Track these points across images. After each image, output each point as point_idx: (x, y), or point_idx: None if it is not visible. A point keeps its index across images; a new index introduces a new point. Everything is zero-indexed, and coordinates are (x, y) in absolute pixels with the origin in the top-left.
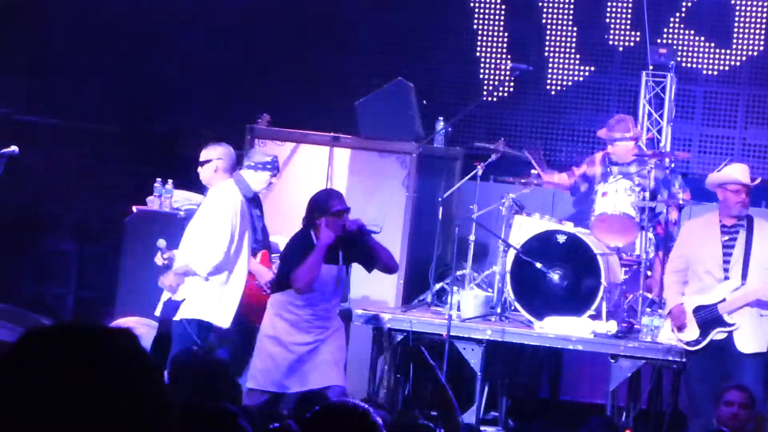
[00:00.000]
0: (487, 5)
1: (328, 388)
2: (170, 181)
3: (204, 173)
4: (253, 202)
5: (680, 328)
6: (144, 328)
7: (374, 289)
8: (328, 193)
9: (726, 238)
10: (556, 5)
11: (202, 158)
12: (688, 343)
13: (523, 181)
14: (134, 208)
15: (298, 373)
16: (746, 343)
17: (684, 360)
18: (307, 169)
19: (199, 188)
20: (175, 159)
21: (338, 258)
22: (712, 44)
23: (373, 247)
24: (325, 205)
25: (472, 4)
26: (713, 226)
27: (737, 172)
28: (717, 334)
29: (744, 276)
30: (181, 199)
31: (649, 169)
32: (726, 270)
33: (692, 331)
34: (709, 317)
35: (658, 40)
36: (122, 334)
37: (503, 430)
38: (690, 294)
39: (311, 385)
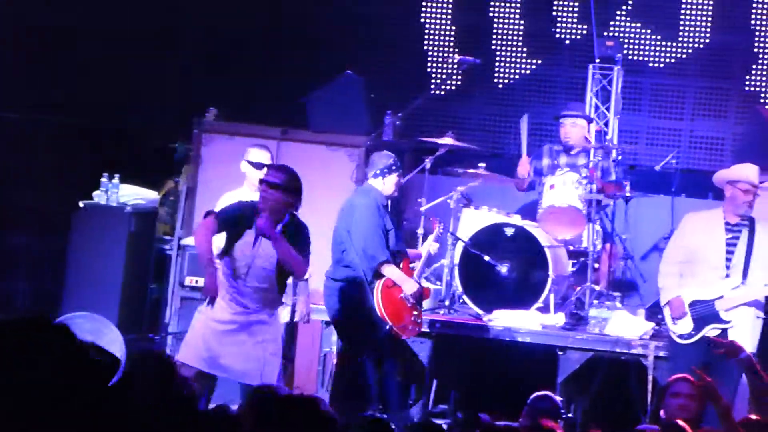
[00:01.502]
0: None
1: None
2: (117, 175)
3: None
4: (385, 209)
5: (677, 318)
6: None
7: (323, 284)
8: (280, 165)
9: (729, 236)
10: None
11: None
12: (680, 336)
13: (471, 171)
14: (81, 203)
15: (211, 354)
16: (740, 342)
17: (631, 351)
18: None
19: (148, 182)
20: (125, 153)
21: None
22: (659, 37)
23: (276, 247)
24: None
25: None
26: (718, 222)
27: (749, 171)
28: (711, 330)
29: (744, 275)
30: (129, 193)
31: (596, 162)
32: (727, 267)
33: (686, 325)
34: (705, 313)
35: (605, 33)
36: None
37: (452, 422)
38: (687, 287)
39: (225, 373)
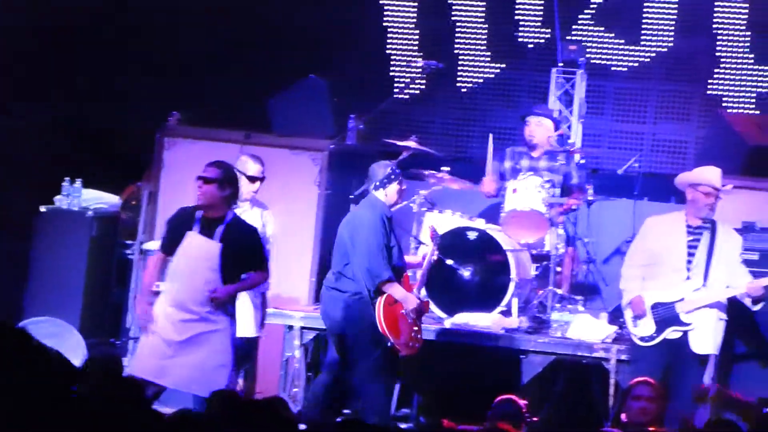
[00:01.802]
0: (398, 2)
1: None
2: (78, 180)
3: None
4: (390, 221)
5: (638, 317)
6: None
7: (286, 287)
8: (214, 161)
9: (690, 238)
10: (466, 2)
11: None
12: (641, 338)
13: (438, 175)
14: (42, 208)
15: (159, 364)
16: (701, 344)
17: (593, 355)
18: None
19: (111, 187)
20: (87, 157)
21: (216, 235)
22: (622, 40)
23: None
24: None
25: (382, 1)
26: (679, 225)
27: (711, 174)
28: (672, 333)
29: (705, 277)
30: (91, 197)
31: (559, 165)
32: (688, 270)
33: (647, 327)
34: (666, 315)
35: (568, 37)
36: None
37: (414, 427)
38: (649, 290)
39: (173, 384)
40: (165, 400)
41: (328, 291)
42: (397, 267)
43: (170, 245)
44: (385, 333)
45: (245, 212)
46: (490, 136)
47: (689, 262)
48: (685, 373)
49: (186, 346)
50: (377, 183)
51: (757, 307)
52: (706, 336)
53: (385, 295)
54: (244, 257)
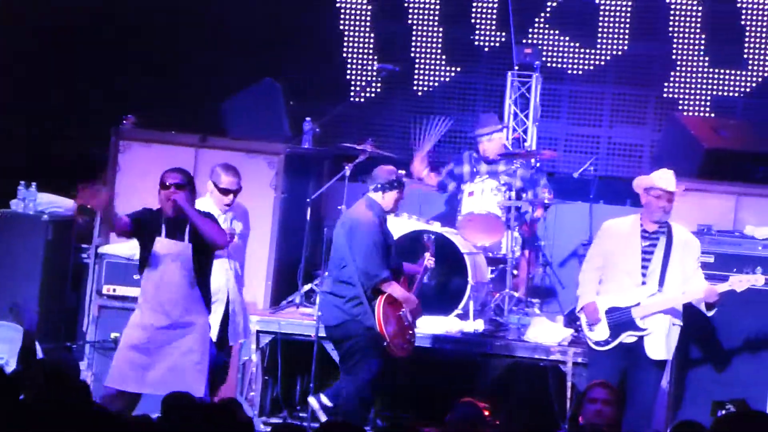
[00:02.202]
0: (354, 5)
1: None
2: (33, 183)
3: None
4: (385, 222)
5: (592, 325)
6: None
7: (243, 291)
8: (173, 167)
9: (646, 243)
10: (422, 6)
11: None
12: (596, 343)
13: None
14: None
15: (137, 372)
16: (656, 349)
17: (551, 358)
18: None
19: (66, 190)
20: (44, 161)
21: (184, 235)
22: (577, 44)
23: (193, 222)
24: (161, 177)
25: (338, 5)
26: (635, 230)
27: (660, 178)
28: (627, 337)
29: (661, 283)
30: (46, 201)
31: (515, 169)
32: (644, 275)
33: (602, 332)
34: (621, 320)
35: (524, 41)
36: None
37: (372, 429)
38: (604, 294)
39: (153, 389)
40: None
41: (325, 296)
42: (393, 268)
43: (138, 228)
44: (382, 332)
45: (224, 223)
46: (447, 122)
47: (645, 267)
48: (641, 378)
49: (162, 350)
50: (378, 185)
51: (711, 313)
52: (660, 341)
53: (384, 295)
54: (209, 245)
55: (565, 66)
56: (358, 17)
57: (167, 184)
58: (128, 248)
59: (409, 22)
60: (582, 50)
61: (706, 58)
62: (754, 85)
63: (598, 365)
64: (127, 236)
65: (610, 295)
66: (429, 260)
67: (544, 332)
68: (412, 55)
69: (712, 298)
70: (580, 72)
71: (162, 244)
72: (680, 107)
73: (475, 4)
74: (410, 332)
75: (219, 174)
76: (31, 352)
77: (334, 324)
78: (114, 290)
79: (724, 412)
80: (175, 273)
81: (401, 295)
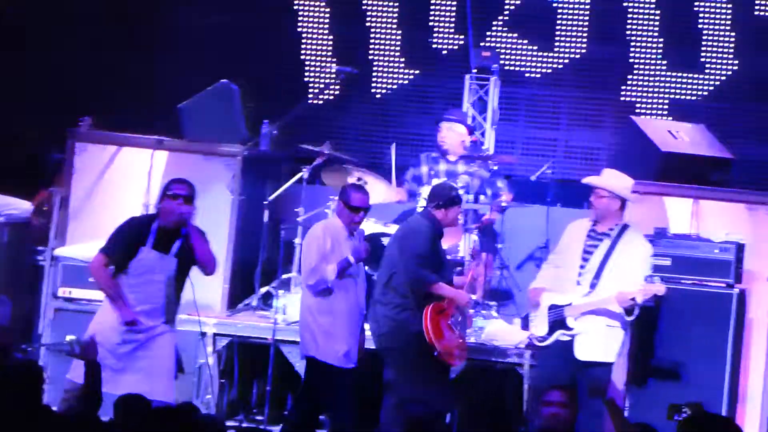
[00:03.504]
0: (312, 8)
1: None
2: None
3: None
4: (440, 239)
5: (532, 308)
6: None
7: (199, 294)
8: (179, 178)
9: (589, 243)
10: (380, 8)
11: None
12: (537, 338)
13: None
14: None
15: (109, 374)
16: (585, 350)
17: (507, 360)
18: (129, 173)
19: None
20: None
21: (170, 248)
22: (535, 47)
23: (191, 241)
24: (165, 187)
25: (296, 7)
26: (584, 229)
27: (597, 177)
28: (561, 336)
29: (593, 284)
30: (1, 204)
31: (474, 170)
32: (580, 275)
33: (542, 327)
34: (556, 318)
35: (482, 44)
36: None
37: None
38: (552, 291)
39: (124, 390)
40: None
41: (374, 305)
42: (446, 281)
43: (123, 259)
44: (431, 341)
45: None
46: (393, 145)
47: (582, 267)
48: (578, 379)
49: (134, 355)
50: (440, 202)
51: (629, 318)
52: (590, 343)
53: (431, 305)
54: (199, 267)
55: (523, 69)
56: (316, 20)
57: (176, 194)
58: (84, 250)
59: (368, 24)
60: (540, 54)
61: (664, 62)
62: (711, 88)
63: (540, 361)
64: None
65: (554, 293)
66: (477, 267)
67: (501, 335)
68: (371, 57)
69: (624, 303)
70: (538, 75)
71: (147, 255)
72: (638, 110)
73: (433, 8)
74: (460, 341)
75: (349, 193)
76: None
77: (383, 332)
78: (70, 293)
79: (681, 415)
80: (155, 285)
81: (451, 293)
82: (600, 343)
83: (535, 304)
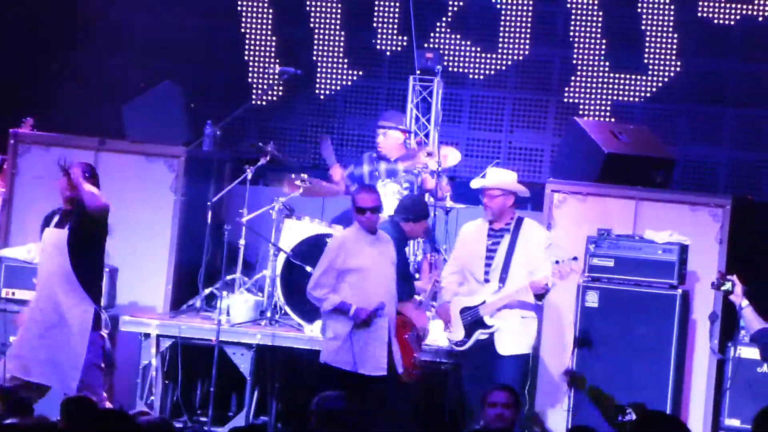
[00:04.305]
0: (255, 9)
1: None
2: None
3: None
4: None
5: (446, 324)
6: None
7: (142, 295)
8: None
9: (490, 242)
10: (324, 9)
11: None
12: (455, 343)
13: (296, 182)
14: None
15: (25, 361)
16: (505, 344)
17: (451, 361)
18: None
19: None
20: None
21: (65, 224)
22: (479, 49)
23: (74, 183)
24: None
25: (239, 8)
26: (482, 229)
27: (483, 179)
28: (480, 335)
29: (503, 279)
30: None
31: (417, 171)
32: (486, 273)
33: (458, 332)
34: (472, 319)
35: (426, 45)
36: None
37: None
38: (460, 295)
39: (36, 379)
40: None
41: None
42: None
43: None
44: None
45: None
46: (326, 137)
47: (488, 265)
48: (498, 375)
49: (39, 340)
50: (410, 216)
51: (541, 303)
52: (510, 336)
53: (396, 317)
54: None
55: (466, 71)
56: (259, 20)
57: (63, 168)
58: (27, 252)
59: (311, 25)
60: (483, 55)
61: (607, 63)
62: (654, 89)
63: (463, 366)
64: None
65: (463, 296)
66: (436, 280)
67: (444, 335)
68: (314, 58)
69: (539, 290)
70: (482, 77)
71: (47, 233)
72: (581, 112)
73: (376, 9)
74: (415, 355)
75: (354, 194)
76: None
77: None
78: (13, 293)
79: (625, 416)
80: (52, 261)
81: (414, 317)
82: (518, 335)
83: (447, 318)
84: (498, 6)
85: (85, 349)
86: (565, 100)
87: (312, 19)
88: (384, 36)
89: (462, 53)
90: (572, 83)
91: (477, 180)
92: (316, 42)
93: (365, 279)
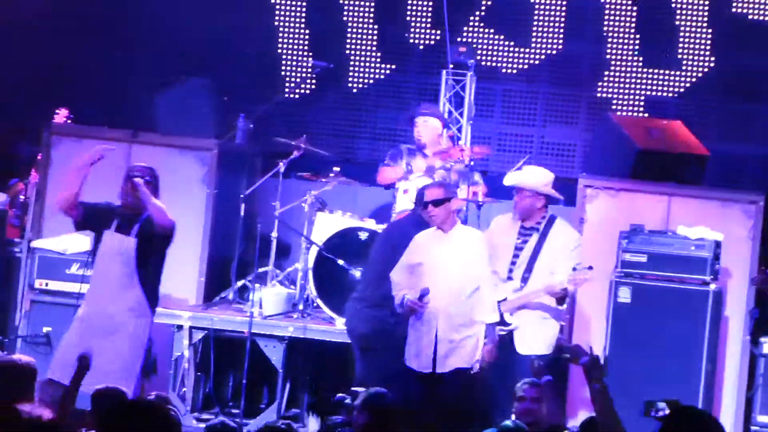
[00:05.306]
0: (288, 2)
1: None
2: None
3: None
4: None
5: None
6: None
7: (175, 287)
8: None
9: (519, 240)
10: (356, 3)
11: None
12: None
13: (324, 179)
14: None
15: (63, 361)
16: (524, 344)
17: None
18: (105, 166)
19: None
20: None
21: (131, 230)
22: (512, 43)
23: (142, 200)
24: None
25: (272, 1)
26: (514, 225)
27: (518, 175)
28: (499, 332)
29: (525, 279)
30: None
31: (451, 165)
32: (511, 270)
33: None
34: None
35: (458, 39)
36: None
37: (304, 426)
38: None
39: (90, 386)
40: None
41: (358, 303)
42: None
43: (90, 217)
44: None
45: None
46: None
47: (513, 263)
48: (512, 370)
49: (98, 347)
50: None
51: (561, 307)
52: (527, 336)
53: None
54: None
55: (499, 65)
56: (292, 13)
57: (129, 175)
58: (60, 243)
59: (344, 18)
60: (516, 49)
61: (640, 58)
62: (687, 85)
63: None
64: (71, 214)
65: None
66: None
67: None
68: (347, 52)
69: (555, 294)
70: (514, 71)
71: (109, 237)
72: (613, 107)
73: (410, 2)
74: None
75: (417, 191)
76: None
77: (366, 331)
78: (46, 284)
79: (658, 412)
80: (117, 269)
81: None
82: (538, 335)
83: None
84: (531, 0)
85: (141, 359)
86: (598, 95)
87: (345, 13)
88: (416, 30)
89: (495, 47)
90: (605, 78)
91: (510, 176)
92: (349, 35)
93: (424, 274)
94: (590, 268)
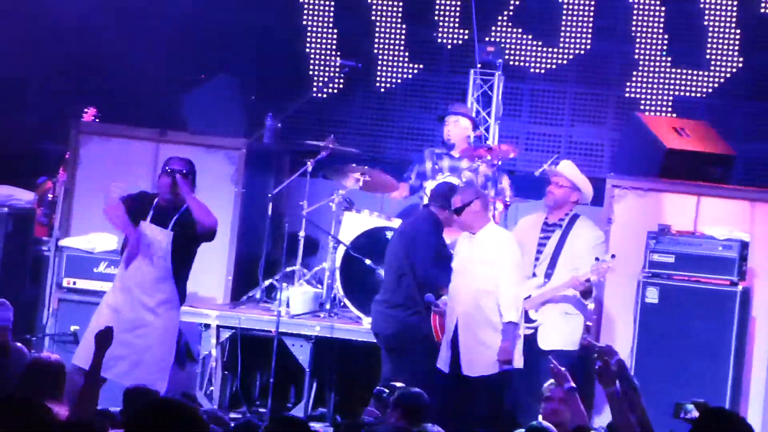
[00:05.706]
0: (316, 1)
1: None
2: None
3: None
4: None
5: None
6: None
7: (202, 286)
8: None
9: (542, 235)
10: (385, 2)
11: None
12: None
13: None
14: None
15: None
16: (547, 340)
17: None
18: (133, 165)
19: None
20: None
21: (168, 223)
22: (540, 43)
23: (185, 198)
24: (164, 164)
25: (301, 0)
26: (538, 222)
27: (559, 166)
28: (525, 330)
29: (548, 275)
30: (5, 194)
31: (477, 166)
32: (534, 267)
33: None
34: None
35: (486, 39)
36: None
37: (331, 425)
38: None
39: (113, 376)
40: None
41: (381, 305)
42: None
43: (130, 206)
44: (439, 340)
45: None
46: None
47: (536, 259)
48: (535, 368)
49: (124, 338)
50: (444, 203)
51: (587, 301)
52: (550, 331)
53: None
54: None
55: (527, 64)
56: (321, 13)
57: (168, 170)
58: (88, 242)
59: (372, 18)
60: (544, 49)
61: (669, 58)
62: (716, 85)
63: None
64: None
65: None
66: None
67: None
68: (375, 51)
69: (580, 286)
70: (542, 71)
71: (144, 227)
72: (641, 107)
73: (438, 2)
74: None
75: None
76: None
77: (390, 332)
78: (74, 283)
79: (687, 414)
80: (152, 260)
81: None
82: (560, 331)
83: None
84: (559, 0)
85: (173, 349)
86: (626, 95)
87: (373, 12)
88: (445, 29)
89: (523, 47)
90: (633, 78)
91: (562, 164)
92: (377, 35)
93: (454, 276)
94: (613, 256)
